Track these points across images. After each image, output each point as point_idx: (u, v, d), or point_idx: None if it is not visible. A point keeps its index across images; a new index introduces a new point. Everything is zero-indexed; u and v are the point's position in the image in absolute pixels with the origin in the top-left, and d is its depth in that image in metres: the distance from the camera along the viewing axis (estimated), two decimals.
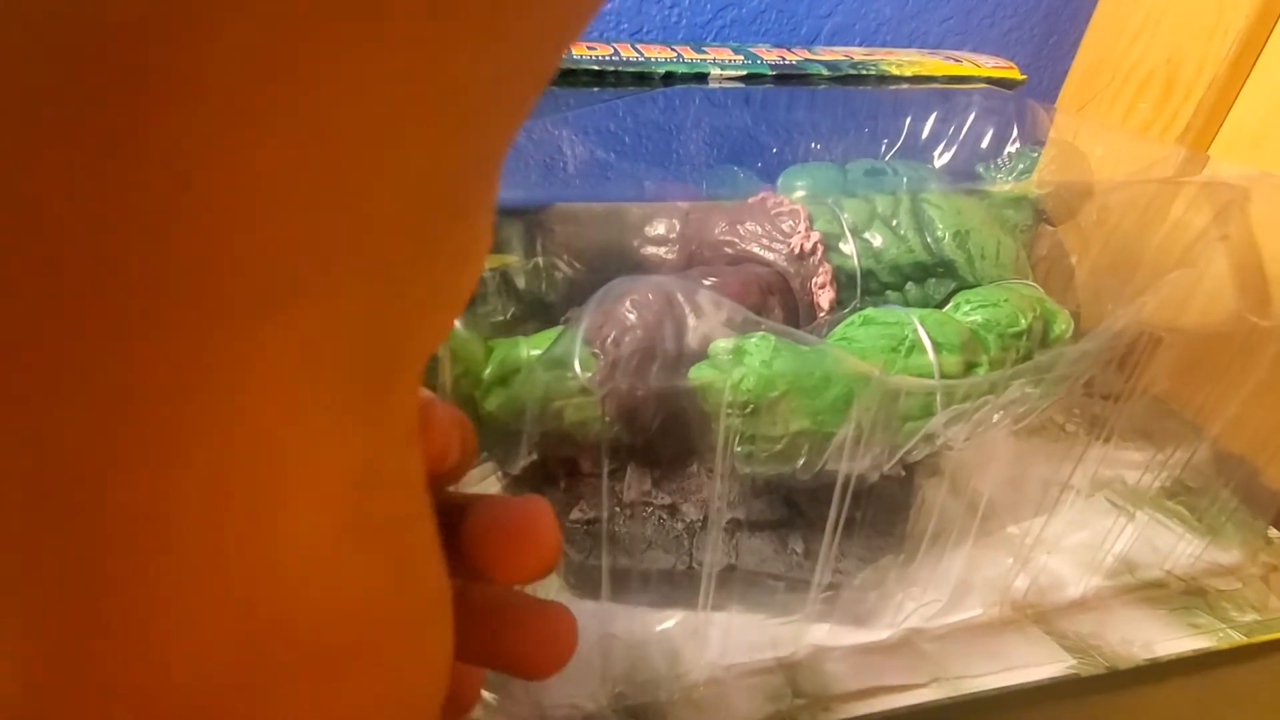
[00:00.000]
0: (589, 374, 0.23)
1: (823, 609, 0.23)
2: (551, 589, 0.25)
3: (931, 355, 0.23)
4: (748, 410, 0.20)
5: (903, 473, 0.26)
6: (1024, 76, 0.40)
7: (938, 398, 0.21)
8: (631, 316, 0.23)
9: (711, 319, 0.23)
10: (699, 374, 0.22)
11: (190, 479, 0.06)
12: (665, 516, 0.26)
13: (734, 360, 0.21)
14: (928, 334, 0.23)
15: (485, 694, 0.20)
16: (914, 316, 0.24)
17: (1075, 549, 0.26)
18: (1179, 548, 0.26)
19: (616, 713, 0.20)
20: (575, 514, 0.25)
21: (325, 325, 0.07)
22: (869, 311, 0.24)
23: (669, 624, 0.23)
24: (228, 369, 0.06)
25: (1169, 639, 0.23)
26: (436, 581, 0.09)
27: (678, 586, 0.24)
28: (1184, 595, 0.25)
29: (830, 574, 0.24)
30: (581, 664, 0.21)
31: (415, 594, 0.09)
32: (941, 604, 0.24)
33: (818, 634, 0.23)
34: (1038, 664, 0.22)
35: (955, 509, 0.26)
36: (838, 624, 0.24)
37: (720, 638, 0.23)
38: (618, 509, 0.25)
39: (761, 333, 0.22)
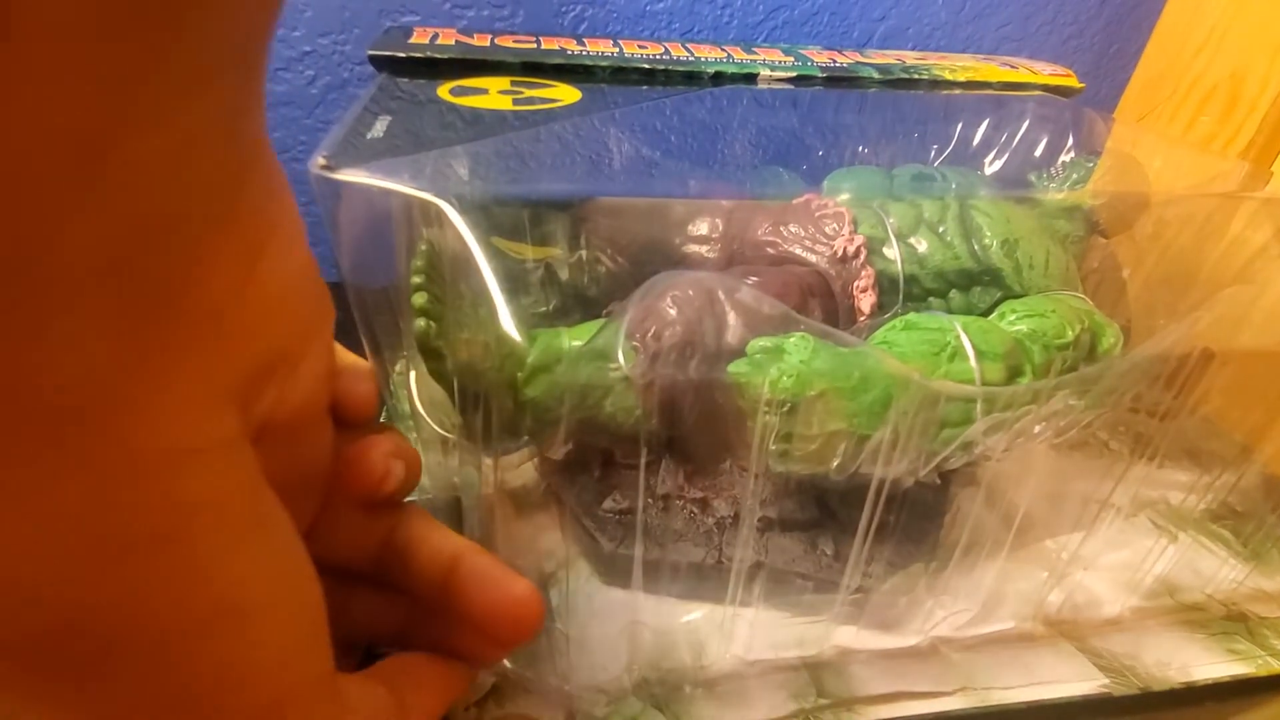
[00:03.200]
0: (630, 365, 0.23)
1: (850, 611, 0.23)
2: (582, 575, 0.25)
3: (974, 362, 0.22)
4: (784, 409, 0.21)
5: (938, 481, 0.26)
6: (1082, 85, 0.40)
7: (978, 405, 0.21)
8: (673, 312, 0.24)
9: (752, 317, 0.23)
10: (737, 371, 0.22)
11: None
12: (696, 511, 0.26)
13: (772, 358, 0.22)
14: (970, 341, 0.23)
15: (511, 665, 0.20)
16: (957, 323, 0.23)
17: (1114, 568, 0.26)
18: (1222, 572, 0.26)
19: (640, 699, 0.20)
20: (609, 503, 0.26)
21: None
22: (911, 316, 0.24)
23: (695, 615, 0.23)
24: None
25: (1207, 663, 0.23)
26: (229, 579, 0.10)
27: (706, 580, 0.24)
28: (1224, 620, 0.24)
29: (859, 577, 0.24)
30: (608, 648, 0.22)
31: (183, 586, 0.09)
32: (972, 614, 0.24)
33: (844, 636, 0.23)
34: (1069, 680, 0.22)
35: (991, 520, 0.26)
36: (865, 628, 0.24)
37: (746, 633, 0.23)
38: (650, 501, 0.26)
39: (801, 332, 0.22)
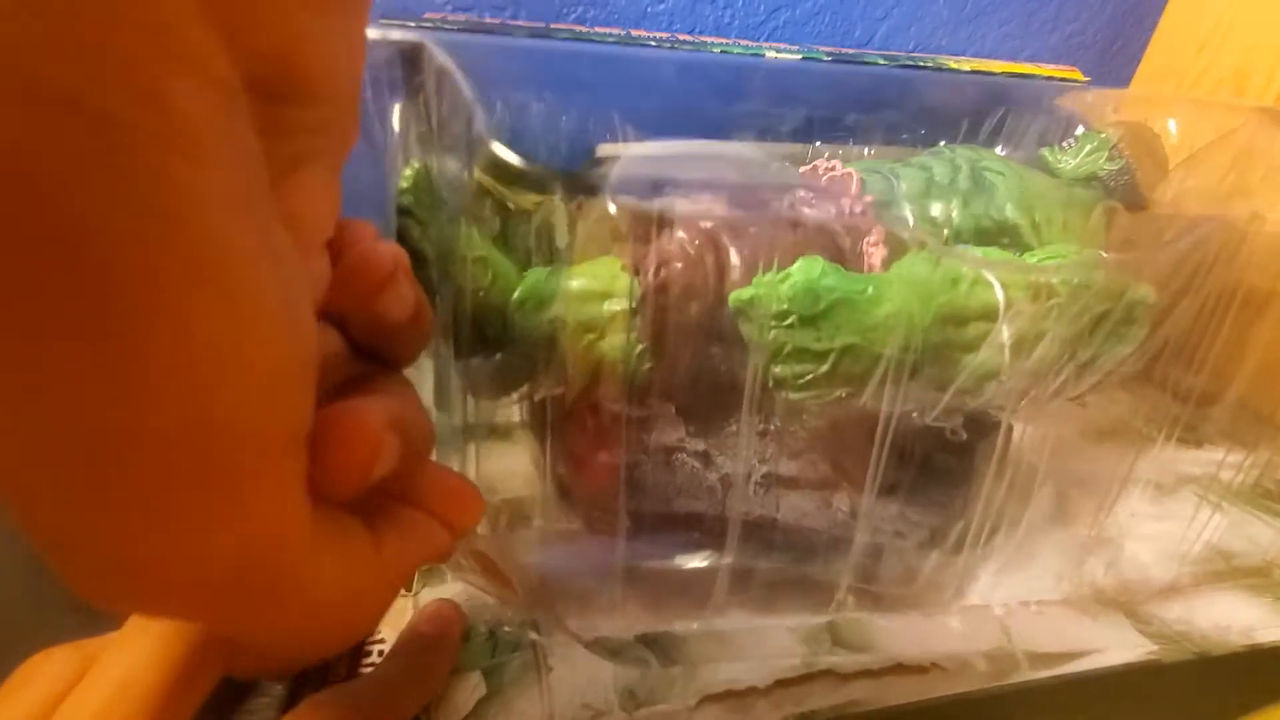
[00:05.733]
0: (628, 303, 0.22)
1: (868, 566, 0.21)
2: (572, 527, 0.23)
3: (996, 287, 0.21)
4: (787, 323, 0.19)
5: (963, 436, 0.24)
6: (1086, 78, 0.39)
7: (1001, 323, 0.19)
8: (674, 248, 0.23)
9: (756, 249, 0.22)
10: (740, 294, 0.20)
11: None
12: (699, 465, 0.24)
13: (778, 279, 0.20)
14: (993, 271, 0.22)
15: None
16: (978, 252, 0.22)
17: (1159, 536, 0.24)
18: (1279, 541, 0.23)
19: (637, 639, 0.18)
20: (604, 456, 0.24)
21: None
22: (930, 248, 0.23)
23: (699, 566, 0.21)
24: None
25: (1274, 625, 0.20)
26: (209, 243, 0.08)
27: (710, 534, 0.22)
28: None
29: (874, 533, 0.22)
30: (604, 592, 0.19)
31: (148, 216, 0.07)
32: (1004, 581, 0.21)
33: (864, 603, 0.21)
34: (1111, 646, 0.19)
35: (1024, 490, 0.24)
36: (884, 590, 0.22)
37: (752, 599, 0.21)
38: (644, 456, 0.24)
39: (807, 256, 0.21)
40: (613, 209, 0.17)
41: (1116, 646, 0.20)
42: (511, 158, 0.16)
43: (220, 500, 0.09)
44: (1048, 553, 0.23)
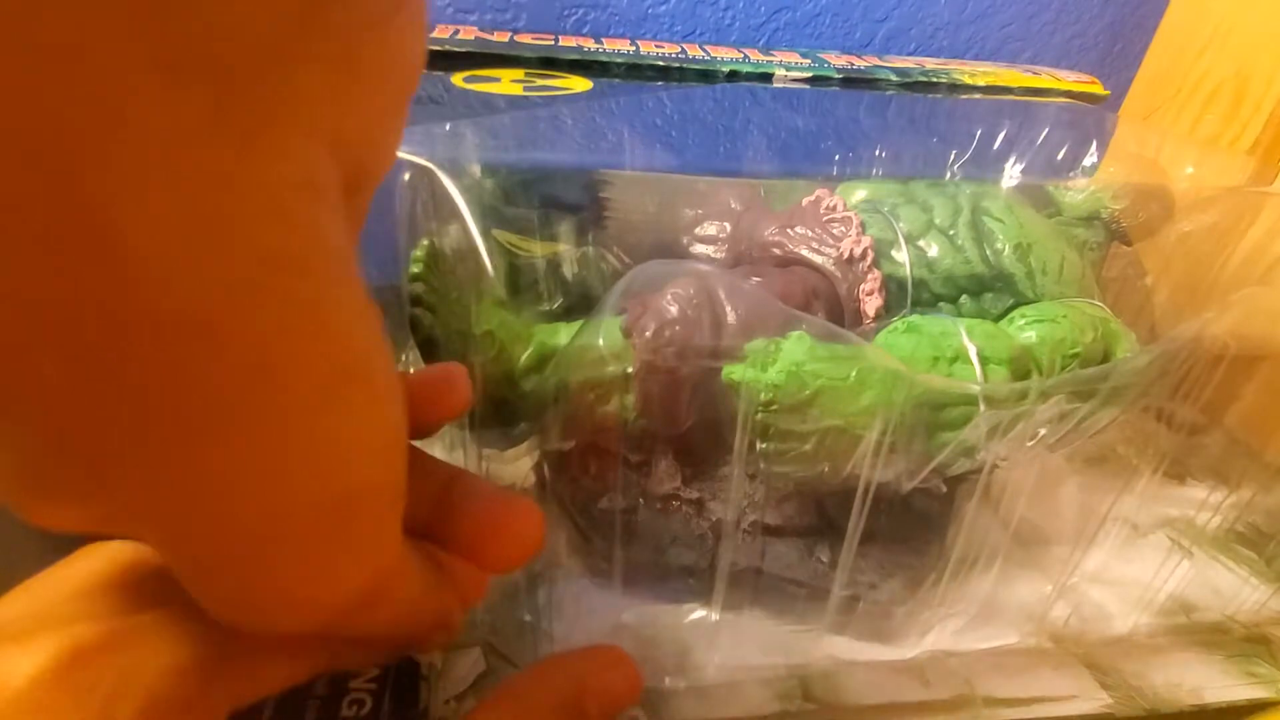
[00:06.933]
0: (627, 362, 0.23)
1: (841, 620, 0.23)
2: (573, 575, 0.25)
3: (977, 367, 0.22)
4: (773, 409, 0.20)
5: (944, 489, 0.26)
6: (1107, 91, 0.39)
7: (980, 407, 0.20)
8: (672, 310, 0.24)
9: (751, 315, 0.23)
10: (731, 372, 0.22)
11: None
12: (692, 513, 0.26)
13: (767, 358, 0.21)
14: (974, 345, 0.23)
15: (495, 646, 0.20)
16: (961, 326, 0.23)
17: (1125, 583, 0.25)
18: (1243, 593, 0.25)
19: None
20: (604, 503, 0.26)
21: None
22: (914, 318, 0.24)
23: (686, 619, 0.23)
24: None
25: (1222, 686, 0.22)
26: (352, 344, 0.09)
27: (700, 583, 0.24)
28: (1244, 642, 0.23)
29: (849, 584, 0.23)
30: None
31: (312, 338, 0.08)
32: (971, 625, 0.23)
33: (837, 646, 0.23)
34: (1070, 696, 0.21)
35: (1000, 533, 0.25)
36: (858, 638, 0.23)
37: (733, 639, 0.23)
38: (641, 501, 0.26)
39: (798, 332, 0.22)
40: (601, 343, 0.18)
41: (1076, 696, 0.22)
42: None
43: (361, 547, 0.11)
44: (1017, 598, 0.25)
